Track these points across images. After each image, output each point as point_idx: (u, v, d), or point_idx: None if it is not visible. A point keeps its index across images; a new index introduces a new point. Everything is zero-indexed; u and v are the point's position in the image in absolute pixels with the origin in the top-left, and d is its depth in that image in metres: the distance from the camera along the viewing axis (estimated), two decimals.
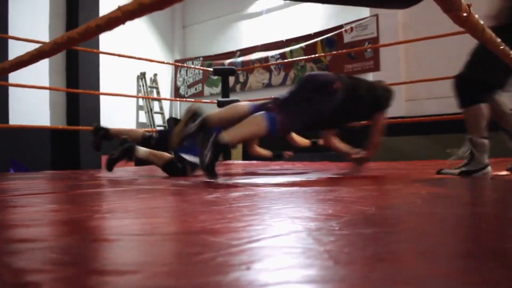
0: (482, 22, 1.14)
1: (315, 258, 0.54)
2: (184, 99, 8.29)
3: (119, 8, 0.70)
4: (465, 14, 0.98)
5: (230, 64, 7.99)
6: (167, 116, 8.76)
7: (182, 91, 8.95)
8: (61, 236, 0.82)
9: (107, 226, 0.91)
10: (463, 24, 1.02)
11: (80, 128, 6.33)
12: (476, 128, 1.94)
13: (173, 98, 8.69)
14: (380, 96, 2.39)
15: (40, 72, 6.44)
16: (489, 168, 1.93)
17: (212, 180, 1.96)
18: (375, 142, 2.35)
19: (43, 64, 6.53)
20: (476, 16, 1.07)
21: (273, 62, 7.47)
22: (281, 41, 7.70)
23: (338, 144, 2.67)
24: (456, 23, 1.01)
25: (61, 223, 0.95)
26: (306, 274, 0.48)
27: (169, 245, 0.68)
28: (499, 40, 1.41)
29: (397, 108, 6.28)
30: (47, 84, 6.59)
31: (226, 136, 1.96)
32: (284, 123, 2.04)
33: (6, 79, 5.25)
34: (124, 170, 3.16)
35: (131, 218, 1.01)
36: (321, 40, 7.18)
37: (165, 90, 8.94)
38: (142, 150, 2.62)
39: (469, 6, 0.99)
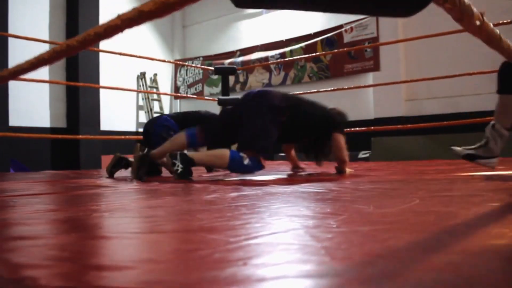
0: (497, 31, 1.10)
1: (312, 254, 0.54)
2: (185, 96, 8.30)
3: (119, 16, 0.70)
4: (478, 23, 0.95)
5: (230, 64, 8.00)
6: None
7: (182, 91, 8.96)
8: (59, 234, 0.83)
9: (106, 224, 0.91)
10: (477, 33, 0.99)
11: (79, 137, 6.35)
12: (503, 117, 1.93)
13: (174, 94, 8.67)
14: (333, 116, 2.66)
15: (40, 72, 6.43)
16: (496, 159, 1.94)
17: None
18: (339, 157, 2.57)
19: None
20: (491, 24, 1.03)
21: (273, 61, 7.48)
22: (281, 41, 7.70)
23: (292, 155, 3.14)
24: (469, 32, 0.97)
25: (60, 222, 0.95)
26: (303, 269, 0.48)
27: (166, 242, 0.69)
28: None
29: (397, 108, 6.28)
30: (46, 85, 6.59)
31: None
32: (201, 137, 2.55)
33: None
34: (124, 171, 3.16)
35: (130, 216, 1.01)
36: (321, 40, 7.18)
37: (165, 90, 8.95)
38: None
39: (482, 14, 0.96)
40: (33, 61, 1.08)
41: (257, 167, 2.39)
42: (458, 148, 2.03)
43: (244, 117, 2.46)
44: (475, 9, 0.90)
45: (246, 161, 2.34)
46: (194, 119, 3.23)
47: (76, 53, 0.98)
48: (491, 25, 1.01)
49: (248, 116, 2.45)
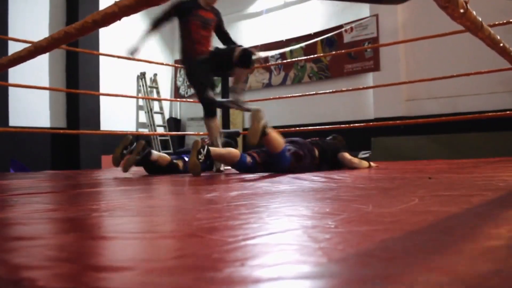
0: (480, 19, 1.14)
1: (309, 255, 0.55)
2: (184, 100, 8.30)
3: (116, 3, 0.70)
4: (462, 10, 0.97)
5: None
6: (167, 116, 8.77)
7: (182, 91, 8.96)
8: (58, 234, 0.83)
9: (105, 225, 0.91)
10: (460, 20, 1.02)
11: (80, 132, 6.35)
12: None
13: (173, 99, 8.69)
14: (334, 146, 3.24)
15: (40, 72, 6.44)
16: None
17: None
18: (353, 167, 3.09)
19: (43, 65, 6.54)
20: (474, 12, 1.07)
21: (273, 63, 7.48)
22: (281, 41, 7.70)
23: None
24: (453, 19, 1.01)
25: (59, 222, 0.95)
26: (300, 270, 0.48)
27: (165, 243, 0.69)
28: (498, 37, 1.40)
29: (397, 108, 6.28)
30: (47, 85, 6.59)
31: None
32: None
33: (6, 79, 5.26)
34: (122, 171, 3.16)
35: (129, 216, 1.02)
36: (321, 40, 7.19)
37: (165, 90, 8.95)
38: (155, 153, 3.10)
39: (466, 2, 0.99)
40: (31, 48, 1.08)
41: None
42: None
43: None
44: None
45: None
46: None
47: (74, 40, 0.98)
48: (474, 13, 1.03)
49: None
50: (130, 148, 3.06)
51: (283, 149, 2.74)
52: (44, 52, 1.06)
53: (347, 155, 3.08)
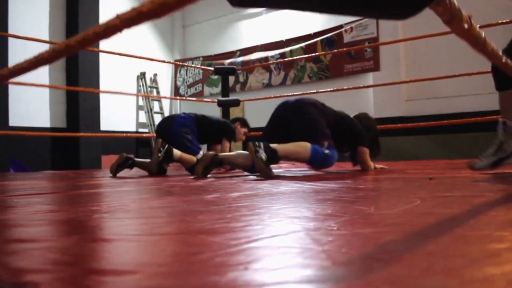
0: (483, 34, 1.13)
1: (313, 258, 0.54)
2: (184, 98, 8.29)
3: (118, 16, 0.70)
4: (466, 26, 0.97)
5: (230, 64, 8.00)
6: None
7: (182, 91, 8.96)
8: (60, 236, 0.83)
9: (106, 226, 0.91)
10: (464, 35, 1.01)
11: (80, 135, 6.34)
12: (510, 112, 1.95)
13: (174, 97, 8.68)
14: (360, 132, 2.87)
15: (40, 72, 6.44)
16: None
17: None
18: (363, 168, 2.86)
19: None
20: (478, 27, 1.06)
21: (273, 61, 7.48)
22: (281, 41, 7.70)
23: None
24: (457, 34, 1.01)
25: (60, 223, 0.95)
26: (304, 274, 0.48)
27: (167, 245, 0.68)
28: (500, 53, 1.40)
29: (397, 108, 6.28)
30: (46, 84, 6.59)
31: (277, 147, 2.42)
32: None
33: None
34: (124, 171, 3.16)
35: (130, 218, 1.01)
36: (321, 40, 7.19)
37: (165, 90, 8.95)
38: (176, 151, 3.07)
39: (470, 17, 0.98)
40: (32, 60, 1.07)
41: (335, 155, 2.54)
42: (479, 163, 2.05)
43: (295, 119, 2.60)
44: (464, 13, 0.92)
45: (327, 151, 2.47)
46: (215, 127, 3.44)
47: (75, 52, 0.97)
48: (478, 27, 1.03)
49: (300, 116, 2.59)
50: (125, 166, 3.09)
51: (312, 149, 2.43)
52: (46, 64, 1.06)
53: (367, 152, 2.80)
